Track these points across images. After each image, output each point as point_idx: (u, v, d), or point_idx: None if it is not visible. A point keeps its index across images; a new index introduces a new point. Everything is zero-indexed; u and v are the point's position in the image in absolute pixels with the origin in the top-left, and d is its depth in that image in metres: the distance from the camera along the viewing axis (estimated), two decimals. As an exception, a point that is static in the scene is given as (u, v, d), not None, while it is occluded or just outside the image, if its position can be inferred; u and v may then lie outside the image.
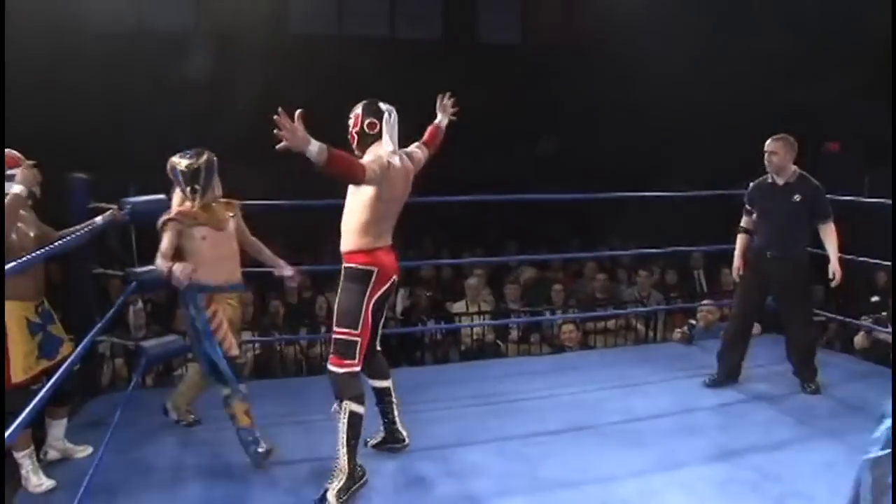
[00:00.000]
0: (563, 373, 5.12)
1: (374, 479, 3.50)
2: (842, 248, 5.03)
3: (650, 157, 10.37)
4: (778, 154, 4.56)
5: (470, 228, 10.50)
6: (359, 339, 3.30)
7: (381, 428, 3.80)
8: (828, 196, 4.59)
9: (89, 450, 3.74)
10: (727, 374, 4.80)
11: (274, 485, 3.48)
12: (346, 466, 3.27)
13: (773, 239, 4.61)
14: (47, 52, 8.89)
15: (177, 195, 3.73)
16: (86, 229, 3.79)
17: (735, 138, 7.32)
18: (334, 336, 3.32)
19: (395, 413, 3.78)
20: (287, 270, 4.01)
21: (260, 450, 3.62)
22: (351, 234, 3.34)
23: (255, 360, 6.19)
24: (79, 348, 3.33)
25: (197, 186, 3.65)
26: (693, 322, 6.00)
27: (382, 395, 3.75)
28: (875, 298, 5.94)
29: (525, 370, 5.25)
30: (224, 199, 3.82)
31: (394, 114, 3.40)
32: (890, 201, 5.79)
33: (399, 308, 7.31)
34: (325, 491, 3.26)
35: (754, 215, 4.79)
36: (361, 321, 3.29)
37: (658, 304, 7.36)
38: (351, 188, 3.35)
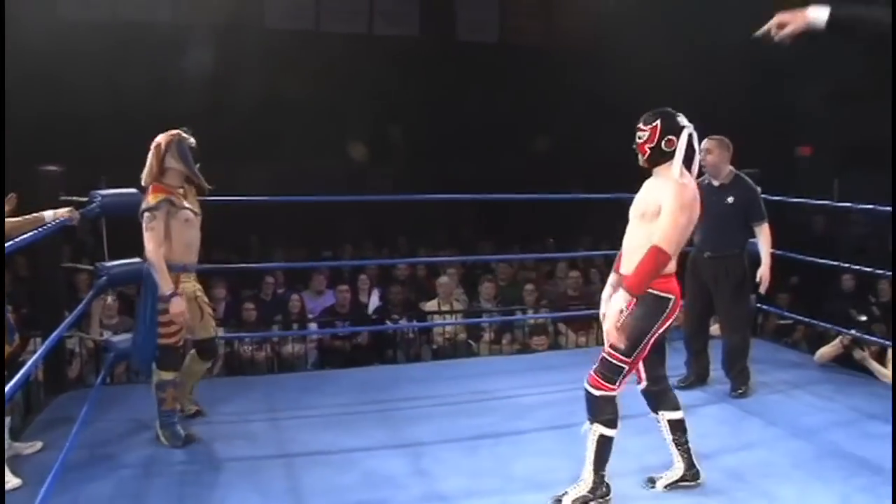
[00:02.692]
0: (535, 373, 5.13)
1: (343, 478, 3.49)
2: (811, 251, 5.12)
3: (629, 156, 10.43)
4: (712, 154, 4.59)
5: (445, 228, 10.51)
6: (627, 366, 3.13)
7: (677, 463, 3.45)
8: (799, 199, 4.65)
9: (38, 445, 3.69)
10: (696, 376, 4.85)
11: (243, 481, 3.45)
12: (590, 480, 3.22)
13: (708, 239, 4.65)
14: (16, 41, 8.75)
15: (150, 193, 3.71)
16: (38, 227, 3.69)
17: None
18: (604, 356, 3.16)
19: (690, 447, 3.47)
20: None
21: (180, 431, 3.77)
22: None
23: (225, 357, 6.15)
24: (46, 343, 3.29)
25: (198, 165, 3.75)
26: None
27: (676, 428, 3.43)
28: (863, 318, 5.97)
29: (497, 369, 5.26)
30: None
31: (693, 133, 3.15)
32: (853, 205, 5.91)
33: (371, 307, 7.30)
34: (564, 493, 3.24)
35: None
36: (638, 351, 3.12)
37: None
38: (649, 214, 3.11)
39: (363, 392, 4.72)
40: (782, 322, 7.03)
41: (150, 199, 3.65)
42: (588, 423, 3.20)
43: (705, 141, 4.64)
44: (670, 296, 3.12)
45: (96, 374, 4.86)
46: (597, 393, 3.15)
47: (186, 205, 3.76)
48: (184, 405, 4.09)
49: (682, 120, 3.15)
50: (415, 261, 8.41)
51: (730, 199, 4.60)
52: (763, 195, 4.75)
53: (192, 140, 3.74)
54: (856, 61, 9.79)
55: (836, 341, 5.33)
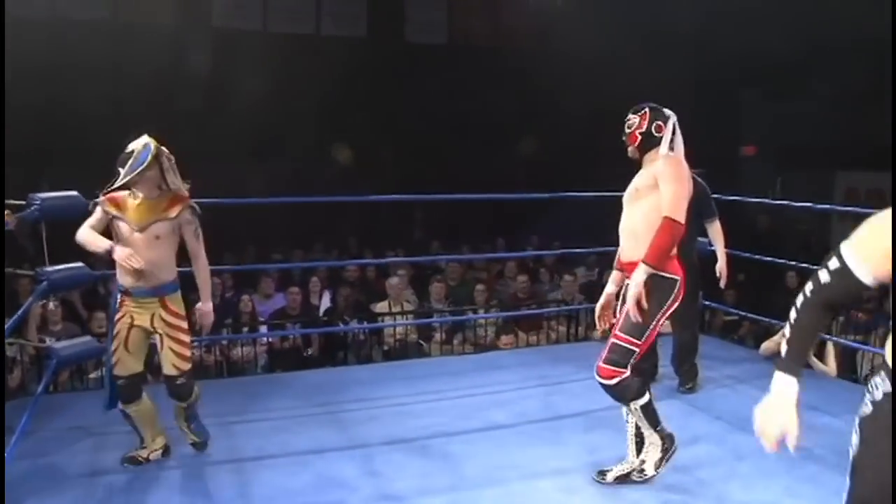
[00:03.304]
0: (486, 372, 5.16)
1: (295, 481, 3.47)
2: (756, 248, 5.22)
3: (578, 156, 10.55)
4: None
5: (394, 229, 10.50)
6: (638, 349, 3.19)
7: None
8: (740, 197, 4.73)
9: None
10: (645, 374, 4.90)
11: (192, 485, 3.41)
12: (657, 439, 3.32)
13: None
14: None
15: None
16: None
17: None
18: (613, 341, 3.20)
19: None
20: (205, 307, 3.66)
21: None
22: (650, 232, 3.17)
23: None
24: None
25: (120, 170, 3.30)
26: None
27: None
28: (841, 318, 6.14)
29: (448, 370, 5.28)
30: (173, 197, 3.44)
31: (676, 120, 3.34)
32: (791, 203, 6.07)
33: (322, 308, 7.26)
34: (642, 461, 3.35)
35: None
36: (648, 333, 3.18)
37: (580, 304, 7.48)
38: (643, 188, 3.23)
39: (314, 395, 4.69)
40: (728, 318, 7.20)
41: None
42: (625, 407, 3.29)
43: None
44: (677, 277, 3.21)
45: (38, 382, 4.73)
46: (612, 382, 3.21)
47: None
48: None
49: (667, 111, 3.34)
50: (364, 262, 8.38)
51: None
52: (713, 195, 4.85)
53: (131, 145, 3.37)
54: (799, 62, 10.07)
55: (780, 335, 5.46)
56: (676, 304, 3.24)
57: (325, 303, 7.34)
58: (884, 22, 7.04)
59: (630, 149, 3.37)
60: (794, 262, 5.72)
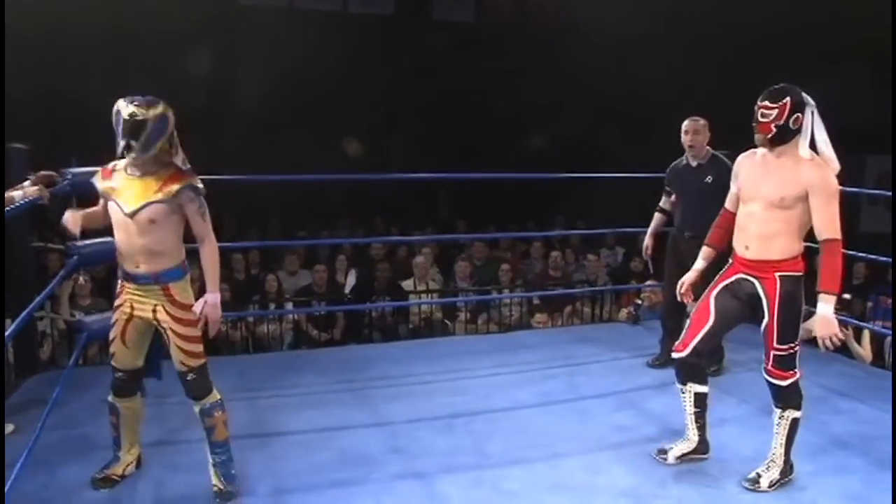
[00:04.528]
0: (510, 352, 5.16)
1: (319, 457, 3.51)
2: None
3: (607, 138, 10.47)
4: (694, 134, 4.64)
5: (421, 207, 10.50)
6: (797, 349, 3.20)
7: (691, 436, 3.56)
8: None
9: (10, 428, 3.62)
10: (670, 355, 4.87)
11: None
12: (781, 462, 3.31)
13: (688, 220, 4.68)
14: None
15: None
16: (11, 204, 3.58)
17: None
18: (776, 353, 3.19)
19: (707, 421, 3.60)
20: (210, 297, 3.12)
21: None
22: (791, 239, 3.12)
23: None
24: (14, 324, 3.24)
25: (134, 143, 2.86)
26: (639, 302, 6.10)
27: (700, 402, 3.53)
28: (848, 296, 6.12)
29: (472, 349, 5.28)
30: (171, 174, 2.98)
31: (816, 111, 3.12)
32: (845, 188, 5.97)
33: (348, 287, 7.29)
34: (759, 476, 3.30)
35: (673, 196, 4.87)
36: (799, 331, 3.18)
37: (605, 285, 7.46)
38: (790, 198, 3.08)
39: (339, 372, 4.72)
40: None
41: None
42: (779, 410, 3.28)
43: (686, 122, 4.69)
44: (802, 274, 3.18)
45: (69, 356, 4.81)
46: (786, 383, 3.21)
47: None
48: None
49: (806, 97, 3.11)
50: (387, 239, 8.40)
51: (708, 179, 4.63)
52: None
53: (118, 107, 2.90)
54: (834, 34, 9.87)
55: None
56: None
57: (351, 281, 7.37)
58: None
59: (759, 136, 3.16)
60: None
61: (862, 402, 4.32)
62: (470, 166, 6.68)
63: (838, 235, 3.00)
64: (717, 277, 3.40)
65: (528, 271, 8.28)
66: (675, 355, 3.42)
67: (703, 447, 3.54)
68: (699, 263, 3.52)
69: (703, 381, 3.48)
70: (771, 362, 3.20)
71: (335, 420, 3.95)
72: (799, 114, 3.06)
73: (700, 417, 3.52)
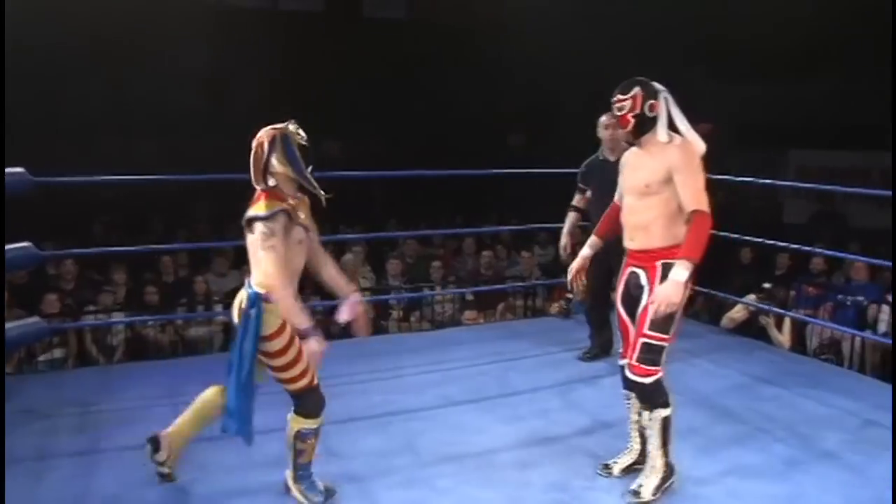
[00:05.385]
0: (443, 349, 5.17)
1: (253, 458, 3.44)
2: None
3: (540, 133, 10.59)
4: (611, 129, 4.65)
5: (352, 205, 10.43)
6: (668, 344, 3.07)
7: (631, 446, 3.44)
8: (722, 176, 4.76)
9: None
10: (600, 348, 4.98)
11: (143, 467, 3.35)
12: (661, 465, 3.17)
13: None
14: None
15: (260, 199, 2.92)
16: None
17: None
18: (643, 341, 3.06)
19: None
20: (350, 300, 3.14)
21: (319, 484, 3.18)
22: (667, 224, 3.05)
23: (127, 342, 5.99)
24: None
25: (310, 168, 2.97)
26: (570, 296, 6.18)
27: None
28: (768, 285, 6.31)
29: (405, 347, 5.27)
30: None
31: (669, 97, 3.10)
32: (751, 179, 6.18)
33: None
34: (640, 486, 3.16)
35: (588, 193, 4.88)
36: (675, 324, 3.05)
37: (537, 280, 7.54)
38: (655, 183, 3.04)
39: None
40: (683, 293, 7.29)
41: (262, 207, 2.88)
42: (647, 411, 3.15)
43: (604, 116, 4.73)
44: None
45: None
46: (649, 381, 3.08)
47: (301, 219, 2.99)
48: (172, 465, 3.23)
49: (657, 85, 3.12)
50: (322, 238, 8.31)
51: None
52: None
53: (302, 135, 2.99)
54: (751, 41, 10.18)
55: (741, 307, 5.65)
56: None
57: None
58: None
59: (622, 132, 3.22)
60: (748, 238, 5.84)
61: (785, 388, 4.47)
62: (403, 164, 6.65)
63: (704, 207, 2.97)
64: (616, 281, 3.38)
65: (460, 268, 8.32)
66: (620, 362, 3.33)
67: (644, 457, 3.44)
68: (585, 251, 3.51)
69: None
70: (637, 353, 3.07)
71: (265, 423, 3.85)
72: (653, 101, 3.06)
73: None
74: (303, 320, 2.89)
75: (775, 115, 11.92)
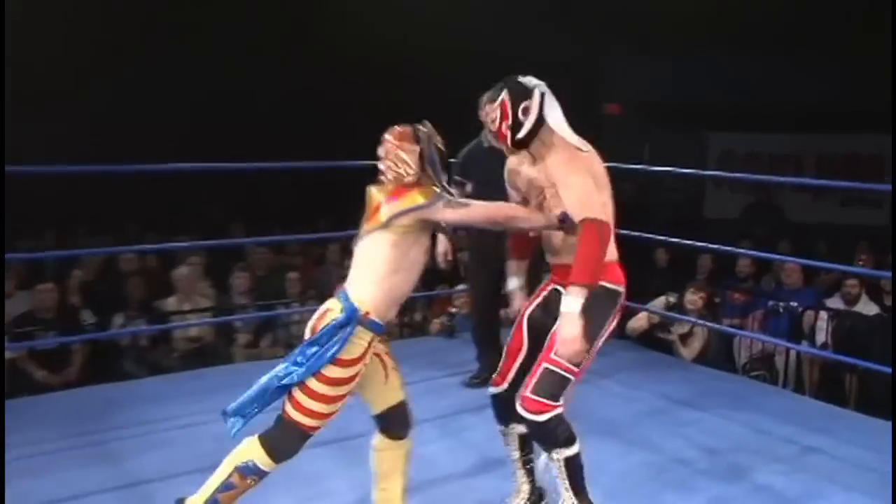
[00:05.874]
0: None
1: None
2: (620, 221, 5.39)
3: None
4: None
5: (185, 208, 10.21)
6: (573, 377, 3.01)
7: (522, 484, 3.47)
8: (610, 165, 4.84)
9: None
10: (490, 371, 4.96)
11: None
12: None
13: None
14: None
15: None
16: None
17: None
18: (546, 366, 3.00)
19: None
20: None
21: None
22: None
23: None
24: None
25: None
26: (454, 310, 6.20)
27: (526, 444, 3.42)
28: (672, 298, 6.47)
29: (254, 378, 5.09)
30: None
31: (547, 91, 3.09)
32: (672, 168, 6.34)
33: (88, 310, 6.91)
34: None
35: (468, 187, 4.94)
36: (588, 358, 3.04)
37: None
38: (553, 197, 3.05)
39: (73, 422, 4.43)
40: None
41: (416, 197, 3.02)
42: (546, 454, 3.11)
43: (487, 94, 4.77)
44: (618, 287, 3.10)
45: None
46: (543, 418, 3.01)
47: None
48: None
49: (529, 80, 3.11)
50: (143, 248, 8.04)
51: None
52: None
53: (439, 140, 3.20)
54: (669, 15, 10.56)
55: (644, 314, 5.82)
56: (615, 321, 3.16)
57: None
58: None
59: (504, 147, 3.22)
60: (664, 237, 5.98)
61: (708, 411, 4.60)
62: (246, 156, 6.51)
63: (593, 214, 2.92)
64: (532, 295, 3.38)
65: (323, 280, 8.22)
66: (490, 390, 3.33)
67: (536, 497, 3.48)
68: (513, 285, 3.49)
69: None
70: (534, 382, 3.02)
71: (65, 487, 3.69)
72: (525, 101, 3.08)
73: (528, 462, 3.45)
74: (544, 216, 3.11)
75: (695, 93, 12.35)
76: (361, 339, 2.97)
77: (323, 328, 2.95)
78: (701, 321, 6.09)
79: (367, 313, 2.96)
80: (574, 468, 3.11)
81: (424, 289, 7.54)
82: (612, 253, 3.08)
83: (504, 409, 3.31)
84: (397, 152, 3.10)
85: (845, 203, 12.44)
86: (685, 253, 7.72)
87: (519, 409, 3.08)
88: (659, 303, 6.32)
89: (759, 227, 10.50)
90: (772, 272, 8.07)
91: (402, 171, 3.08)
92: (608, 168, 3.19)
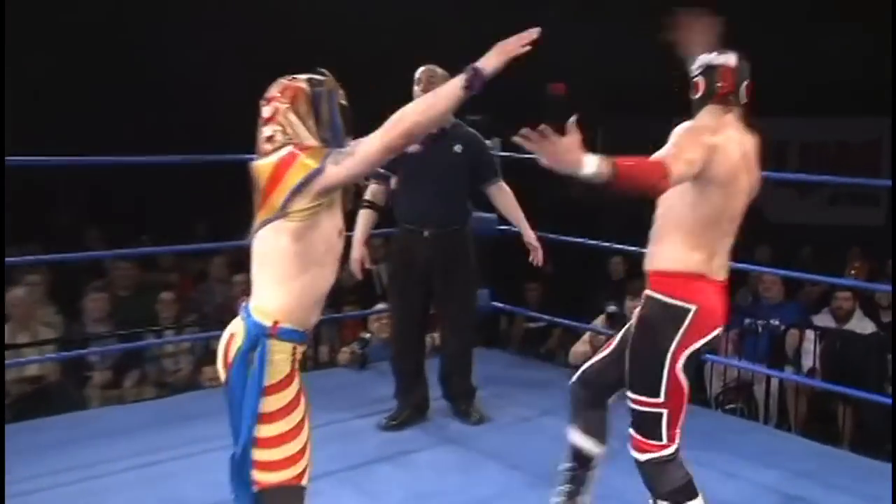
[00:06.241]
0: (169, 425, 5.09)
1: None
2: (569, 228, 5.46)
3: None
4: (426, 87, 4.70)
5: (26, 213, 10.02)
6: (664, 410, 3.22)
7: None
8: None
9: None
10: (412, 409, 4.97)
11: None
12: None
13: (429, 209, 4.82)
14: None
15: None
16: None
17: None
18: (631, 406, 3.30)
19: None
20: None
21: None
22: (669, 243, 3.26)
23: None
24: None
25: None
26: (366, 336, 6.18)
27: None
28: (613, 308, 6.51)
29: (111, 427, 5.12)
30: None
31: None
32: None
33: None
34: None
35: (392, 181, 4.96)
36: (665, 384, 3.19)
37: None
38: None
39: None
40: (532, 326, 7.48)
41: (306, 163, 2.77)
42: (651, 500, 3.31)
43: (421, 70, 4.80)
44: (690, 306, 3.21)
45: None
46: (644, 457, 3.29)
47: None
48: None
49: (302, 78, 2.92)
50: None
51: (457, 148, 4.80)
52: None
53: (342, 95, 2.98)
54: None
55: (587, 336, 5.85)
56: (700, 342, 3.25)
57: None
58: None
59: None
60: (620, 245, 6.04)
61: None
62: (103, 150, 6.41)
63: (662, 159, 3.15)
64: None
65: (204, 301, 8.14)
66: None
67: None
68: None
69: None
70: (631, 420, 3.34)
71: None
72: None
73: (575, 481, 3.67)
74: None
75: (655, 73, 12.48)
76: (282, 353, 2.82)
77: (233, 362, 2.84)
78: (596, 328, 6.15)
79: (277, 323, 2.81)
80: None
81: (331, 310, 7.52)
82: (707, 264, 3.25)
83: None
84: (287, 115, 2.88)
85: (834, 201, 12.68)
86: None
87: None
88: (600, 320, 6.34)
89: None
90: (748, 284, 8.14)
91: (291, 137, 2.87)
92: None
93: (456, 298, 4.94)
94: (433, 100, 2.77)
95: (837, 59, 11.13)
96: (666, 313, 3.22)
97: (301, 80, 2.91)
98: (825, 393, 5.92)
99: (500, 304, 6.22)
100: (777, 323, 6.62)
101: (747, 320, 6.84)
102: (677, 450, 3.30)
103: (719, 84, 3.30)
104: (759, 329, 6.65)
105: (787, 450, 4.83)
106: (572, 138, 2.78)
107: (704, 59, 3.35)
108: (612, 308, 6.38)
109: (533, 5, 11.97)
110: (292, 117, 2.87)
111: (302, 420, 2.89)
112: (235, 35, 11.27)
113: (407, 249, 4.91)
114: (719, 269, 3.29)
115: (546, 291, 8.02)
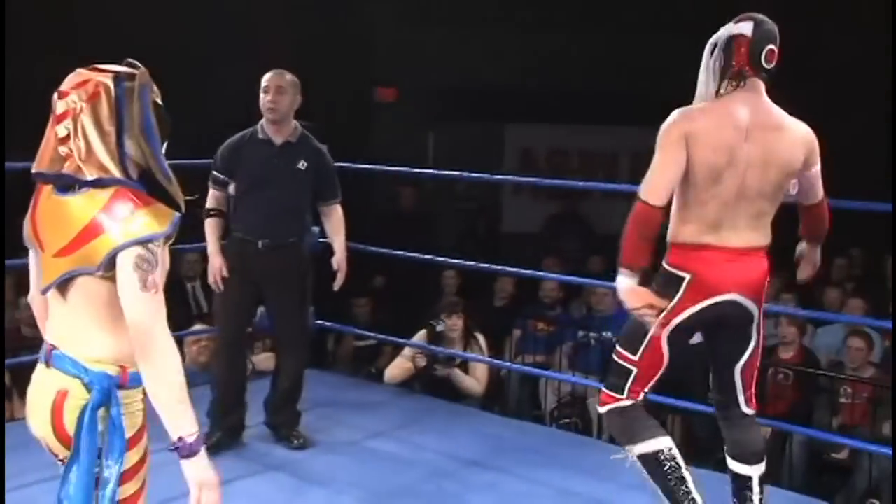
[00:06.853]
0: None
1: None
2: (400, 238, 5.40)
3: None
4: (286, 96, 4.71)
5: None
6: (635, 368, 3.51)
7: None
8: (391, 168, 4.88)
9: None
10: (226, 431, 4.84)
11: None
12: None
13: (267, 222, 4.76)
14: None
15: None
16: None
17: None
18: (611, 358, 3.63)
19: None
20: None
21: None
22: (672, 216, 3.51)
23: None
24: None
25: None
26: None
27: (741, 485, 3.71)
28: (440, 327, 6.45)
29: None
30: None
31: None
32: (462, 172, 6.41)
33: None
34: None
35: (231, 188, 4.90)
36: (645, 346, 3.49)
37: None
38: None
39: None
40: (361, 343, 7.40)
41: (145, 218, 2.35)
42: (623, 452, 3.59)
43: (270, 76, 4.75)
44: (684, 274, 3.45)
45: None
46: (602, 410, 3.63)
47: None
48: None
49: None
50: None
51: (302, 164, 4.75)
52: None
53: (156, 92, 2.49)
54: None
55: (405, 356, 5.83)
56: (693, 312, 3.47)
57: None
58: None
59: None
60: (456, 259, 6.03)
61: (506, 472, 4.63)
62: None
63: (642, 194, 3.47)
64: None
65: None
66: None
67: None
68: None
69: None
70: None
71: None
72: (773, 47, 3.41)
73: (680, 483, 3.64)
74: (190, 423, 2.35)
75: (490, 76, 12.49)
76: (134, 400, 2.49)
77: (78, 426, 2.45)
78: (459, 354, 6.11)
79: (126, 369, 2.45)
80: (656, 467, 3.57)
81: (177, 327, 7.31)
82: (703, 234, 3.45)
83: None
84: (82, 117, 2.38)
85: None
86: (481, 276, 7.75)
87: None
88: (420, 336, 6.23)
89: (568, 243, 10.70)
90: (581, 296, 8.18)
91: (83, 146, 2.38)
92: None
93: (290, 316, 4.87)
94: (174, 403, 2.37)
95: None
96: (664, 279, 3.50)
97: (105, 75, 2.42)
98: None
99: (327, 322, 6.16)
100: (610, 335, 6.66)
101: (581, 333, 6.91)
102: (636, 404, 3.56)
103: (733, 63, 3.41)
104: (592, 342, 6.74)
105: (620, 464, 4.88)
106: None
107: (724, 30, 3.46)
108: (439, 326, 6.20)
109: (357, 7, 11.96)
110: (87, 121, 2.37)
111: (145, 481, 2.63)
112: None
113: (238, 261, 4.80)
114: (731, 235, 3.43)
115: (376, 307, 7.94)
